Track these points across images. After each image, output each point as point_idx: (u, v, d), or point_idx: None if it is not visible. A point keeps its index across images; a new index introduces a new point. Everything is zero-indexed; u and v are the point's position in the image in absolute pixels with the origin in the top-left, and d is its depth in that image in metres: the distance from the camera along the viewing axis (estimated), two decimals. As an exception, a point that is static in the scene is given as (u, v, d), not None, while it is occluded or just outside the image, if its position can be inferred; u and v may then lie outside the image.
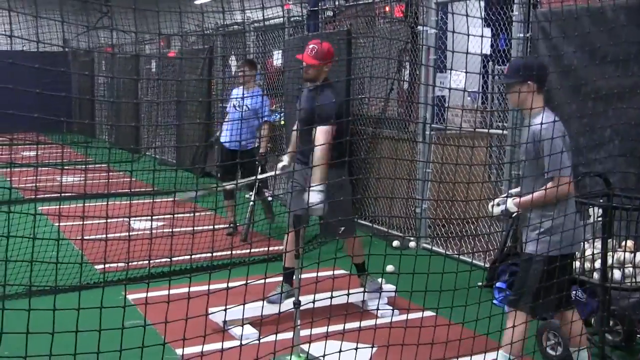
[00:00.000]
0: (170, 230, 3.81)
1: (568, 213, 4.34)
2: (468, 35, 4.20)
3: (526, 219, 4.44)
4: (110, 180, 4.47)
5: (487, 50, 7.68)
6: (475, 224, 8.06)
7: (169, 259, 5.81)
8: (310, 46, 5.89)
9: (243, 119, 8.76)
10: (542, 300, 4.35)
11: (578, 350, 4.59)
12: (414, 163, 8.51)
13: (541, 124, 4.31)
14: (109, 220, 3.42)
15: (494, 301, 6.29)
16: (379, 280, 6.20)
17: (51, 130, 16.92)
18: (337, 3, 10.77)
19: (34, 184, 10.55)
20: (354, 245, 6.04)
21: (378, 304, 5.91)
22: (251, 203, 8.62)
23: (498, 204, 4.55)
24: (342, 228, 5.98)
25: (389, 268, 6.83)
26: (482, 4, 7.69)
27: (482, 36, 4.33)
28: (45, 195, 9.73)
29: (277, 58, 11.86)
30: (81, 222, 3.35)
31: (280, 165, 6.12)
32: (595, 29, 5.81)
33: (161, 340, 3.37)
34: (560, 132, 4.28)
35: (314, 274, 3.93)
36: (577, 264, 5.08)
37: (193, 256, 6.19)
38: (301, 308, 4.57)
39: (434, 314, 4.48)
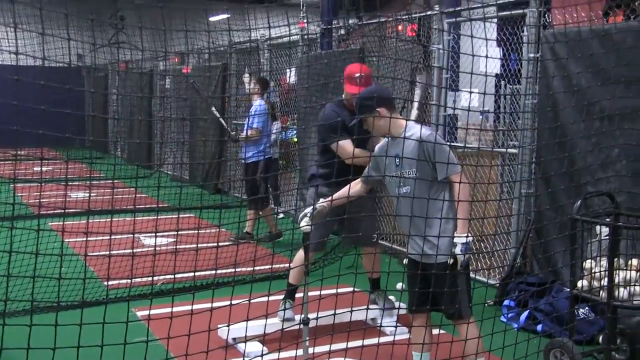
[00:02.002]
0: (196, 246, 3.85)
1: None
2: (473, 55, 4.23)
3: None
4: (121, 197, 4.50)
5: (497, 70, 7.71)
6: (486, 241, 8.05)
7: (190, 274, 5.81)
8: (356, 75, 5.79)
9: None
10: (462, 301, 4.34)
11: None
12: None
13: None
14: (122, 236, 3.45)
15: (502, 318, 6.29)
16: (391, 297, 6.20)
17: (63, 145, 17.01)
18: (350, 22, 10.83)
19: (43, 200, 10.63)
20: (374, 259, 6.06)
21: (385, 322, 5.89)
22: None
23: (459, 252, 4.34)
24: (374, 235, 6.10)
25: (399, 286, 6.83)
26: (494, 25, 7.74)
27: (487, 57, 4.35)
28: (53, 212, 9.77)
29: (290, 75, 11.94)
30: (95, 239, 3.39)
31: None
32: (603, 50, 5.83)
33: (168, 357, 3.40)
34: (440, 138, 4.44)
35: (326, 291, 3.93)
36: (585, 282, 5.08)
37: (217, 271, 6.23)
38: (310, 325, 4.58)
39: (444, 331, 4.49)
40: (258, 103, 9.58)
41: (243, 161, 9.68)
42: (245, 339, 4.95)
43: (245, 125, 9.57)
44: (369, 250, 6.10)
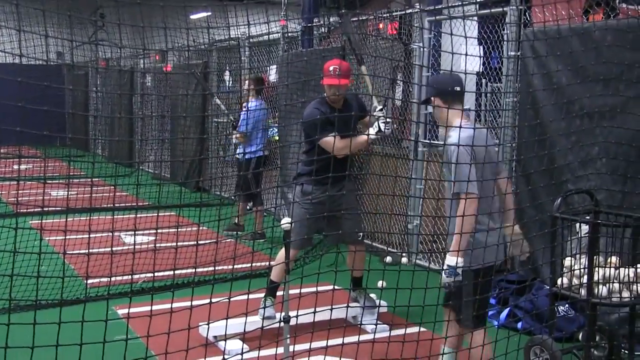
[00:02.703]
0: (175, 244, 3.83)
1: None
2: (452, 53, 4.23)
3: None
4: (102, 195, 4.48)
5: (478, 68, 7.73)
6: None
7: (170, 272, 5.78)
8: (331, 68, 5.86)
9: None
10: (464, 312, 4.34)
11: None
12: (407, 180, 8.55)
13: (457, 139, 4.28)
14: (102, 234, 3.43)
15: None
16: (372, 296, 6.21)
17: (43, 144, 16.88)
18: (331, 20, 10.84)
19: (23, 198, 10.55)
20: (356, 257, 6.06)
21: (364, 319, 5.87)
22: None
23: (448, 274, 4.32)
24: (358, 231, 6.10)
25: (380, 284, 6.83)
26: (475, 23, 7.77)
27: (466, 54, 4.34)
28: (33, 210, 9.70)
29: (271, 74, 11.92)
30: (75, 237, 3.37)
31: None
32: (583, 49, 5.86)
33: (145, 354, 3.38)
34: (468, 145, 4.17)
35: (307, 289, 3.93)
36: (565, 280, 5.10)
37: (196, 270, 6.21)
38: (291, 323, 4.57)
39: (424, 329, 4.49)
40: (253, 105, 9.63)
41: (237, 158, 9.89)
42: (225, 337, 4.95)
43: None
44: (353, 248, 6.10)
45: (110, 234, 4.94)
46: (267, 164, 10.29)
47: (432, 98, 4.46)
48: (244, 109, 9.91)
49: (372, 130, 5.70)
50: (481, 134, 4.42)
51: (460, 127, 4.27)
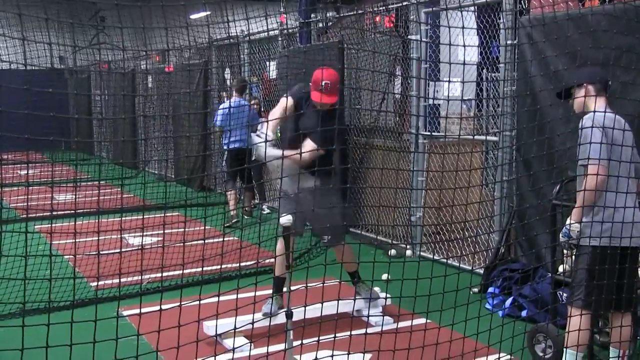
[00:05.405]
0: (183, 243, 3.88)
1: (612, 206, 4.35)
2: (450, 45, 4.27)
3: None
4: (109, 197, 4.53)
5: (475, 58, 7.76)
6: (468, 230, 8.12)
7: (176, 272, 5.82)
8: (323, 83, 5.68)
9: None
10: (593, 294, 4.37)
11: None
12: (409, 172, 8.59)
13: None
14: (107, 237, 3.48)
15: (486, 306, 6.35)
16: (376, 289, 6.24)
17: (49, 148, 16.97)
18: (328, 15, 10.86)
19: (31, 203, 10.62)
20: (343, 253, 6.08)
21: (370, 313, 5.91)
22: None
23: (562, 234, 4.60)
24: (327, 237, 6.04)
25: (385, 276, 6.88)
26: (473, 13, 7.79)
27: (464, 45, 4.38)
28: (42, 214, 9.78)
29: (271, 70, 12.00)
30: (81, 240, 3.42)
31: None
32: (580, 34, 5.88)
33: (155, 356, 3.43)
34: (599, 124, 4.32)
35: (311, 284, 3.96)
36: (567, 266, 5.13)
37: (204, 269, 6.26)
38: (294, 318, 4.61)
39: (430, 320, 4.52)
40: (231, 102, 10.64)
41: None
42: (235, 334, 5.00)
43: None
44: (337, 249, 6.16)
45: (116, 236, 5.00)
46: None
47: (584, 85, 4.58)
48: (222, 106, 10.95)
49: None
50: (620, 121, 4.50)
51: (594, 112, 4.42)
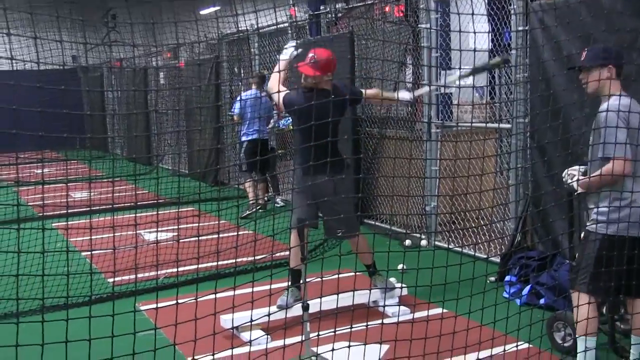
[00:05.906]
0: (198, 237, 3.90)
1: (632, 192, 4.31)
2: (460, 32, 4.24)
3: (590, 199, 4.48)
4: (124, 194, 4.55)
5: (487, 45, 7.71)
6: (483, 219, 8.09)
7: (191, 267, 5.81)
8: (310, 55, 5.84)
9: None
10: (600, 281, 4.34)
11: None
12: (422, 161, 8.57)
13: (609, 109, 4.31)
14: (123, 233, 3.49)
15: (504, 294, 6.33)
16: (392, 279, 6.23)
17: (64, 147, 17.03)
18: (338, 6, 10.83)
19: (48, 201, 10.68)
20: (358, 245, 6.07)
21: (386, 303, 5.89)
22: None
23: (569, 175, 4.60)
24: (341, 230, 6.02)
25: (400, 267, 6.87)
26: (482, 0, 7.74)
27: (474, 32, 4.36)
28: (59, 212, 9.84)
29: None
30: (97, 236, 3.44)
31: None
32: (592, 17, 5.82)
33: (173, 350, 3.44)
34: (623, 114, 4.23)
35: (327, 276, 3.96)
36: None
37: (219, 263, 6.27)
38: (310, 310, 4.61)
39: (446, 310, 4.51)
40: (248, 94, 10.83)
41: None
42: (251, 327, 5.01)
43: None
44: (352, 241, 6.15)
45: (131, 232, 5.01)
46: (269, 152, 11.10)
47: (608, 67, 4.43)
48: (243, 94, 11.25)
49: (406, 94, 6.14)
50: (636, 106, 4.42)
51: (614, 95, 4.34)
